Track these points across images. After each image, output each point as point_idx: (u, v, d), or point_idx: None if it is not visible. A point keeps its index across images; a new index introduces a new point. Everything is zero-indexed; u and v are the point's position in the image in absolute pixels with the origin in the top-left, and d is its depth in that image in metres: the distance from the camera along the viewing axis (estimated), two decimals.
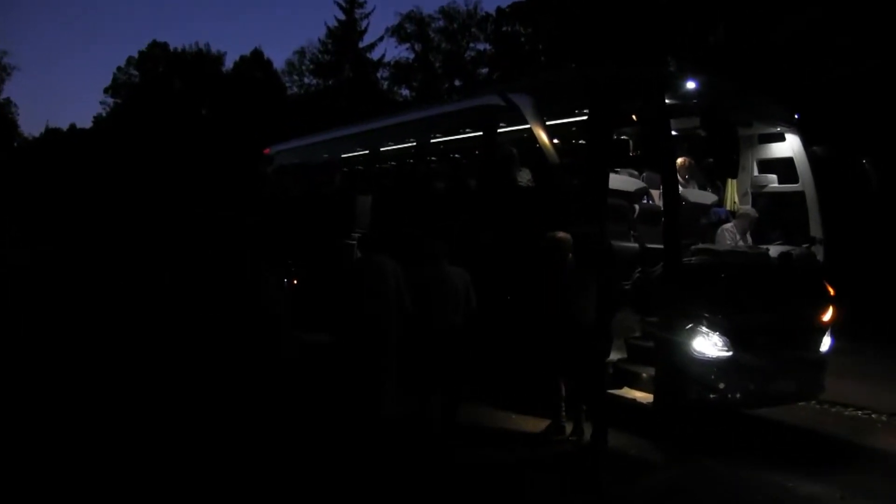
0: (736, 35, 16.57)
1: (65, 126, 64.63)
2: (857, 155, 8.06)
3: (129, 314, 12.11)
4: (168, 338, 10.14)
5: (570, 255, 6.79)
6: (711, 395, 6.73)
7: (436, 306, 6.90)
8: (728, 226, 7.99)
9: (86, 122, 75.72)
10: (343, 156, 12.96)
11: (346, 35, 42.56)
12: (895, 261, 14.74)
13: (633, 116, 7.34)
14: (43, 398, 7.44)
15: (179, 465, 5.82)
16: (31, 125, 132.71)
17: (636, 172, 8.46)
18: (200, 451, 6.16)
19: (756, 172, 8.59)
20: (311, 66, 45.10)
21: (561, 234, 6.83)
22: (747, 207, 8.34)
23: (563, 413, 6.97)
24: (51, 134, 61.74)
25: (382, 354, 6.88)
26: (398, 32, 41.84)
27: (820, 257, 7.81)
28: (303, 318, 10.02)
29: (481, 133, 9.24)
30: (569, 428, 6.99)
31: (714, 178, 8.78)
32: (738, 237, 7.92)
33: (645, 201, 8.35)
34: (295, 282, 12.35)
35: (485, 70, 38.87)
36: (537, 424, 7.19)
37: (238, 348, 8.49)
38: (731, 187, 8.68)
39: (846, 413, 8.53)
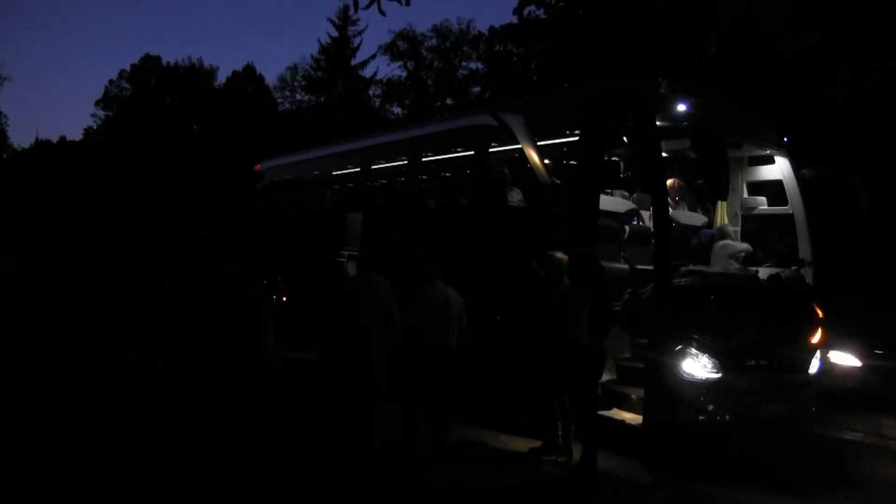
0: (728, 56, 16.68)
1: (55, 138, 64.43)
2: (847, 176, 8.14)
3: (118, 330, 12.01)
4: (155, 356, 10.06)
5: (565, 274, 6.78)
6: (700, 418, 6.71)
7: (429, 326, 6.86)
8: (724, 242, 8.06)
9: (76, 135, 75.57)
10: (334, 173, 12.95)
11: (338, 52, 42.65)
12: (884, 282, 14.80)
13: (624, 137, 7.39)
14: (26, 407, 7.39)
15: (164, 480, 5.76)
16: (20, 136, 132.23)
17: (627, 193, 8.50)
18: (185, 465, 6.10)
19: (746, 194, 8.64)
20: (304, 83, 45.17)
21: (559, 254, 6.84)
22: (721, 225, 8.42)
23: (560, 433, 6.93)
24: (41, 146, 61.50)
25: (370, 374, 6.82)
26: (391, 50, 42.00)
27: (809, 279, 7.84)
28: (291, 336, 9.95)
29: (473, 152, 9.25)
30: None
31: (704, 200, 8.82)
32: (741, 246, 8.01)
33: (635, 222, 8.38)
34: (284, 299, 12.30)
35: (477, 89, 39.03)
36: (526, 444, 7.16)
37: (226, 365, 8.41)
38: (721, 209, 8.72)
39: (836, 435, 8.52)
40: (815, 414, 7.67)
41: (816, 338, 7.52)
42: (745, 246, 8.13)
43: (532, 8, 24.02)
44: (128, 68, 55.44)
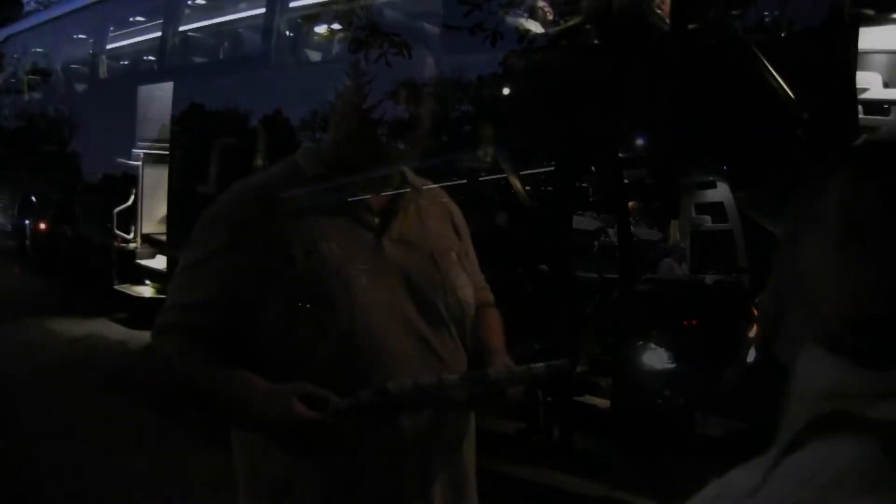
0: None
1: None
2: (773, 195, 9.48)
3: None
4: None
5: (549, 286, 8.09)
6: (659, 401, 8.02)
7: None
8: (667, 259, 9.43)
9: None
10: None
11: None
12: None
13: (592, 168, 8.73)
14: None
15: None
16: None
17: (595, 214, 9.84)
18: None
19: (693, 214, 10.02)
20: None
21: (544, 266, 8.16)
22: (675, 239, 9.82)
23: (542, 416, 8.16)
24: None
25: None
26: None
27: (746, 284, 9.20)
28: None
29: None
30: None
31: (660, 219, 10.22)
32: (677, 266, 9.37)
33: (603, 238, 9.75)
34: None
35: None
36: (514, 427, 8.19)
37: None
38: (674, 227, 10.08)
39: None
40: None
41: (752, 332, 8.86)
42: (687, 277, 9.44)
43: None
44: None
